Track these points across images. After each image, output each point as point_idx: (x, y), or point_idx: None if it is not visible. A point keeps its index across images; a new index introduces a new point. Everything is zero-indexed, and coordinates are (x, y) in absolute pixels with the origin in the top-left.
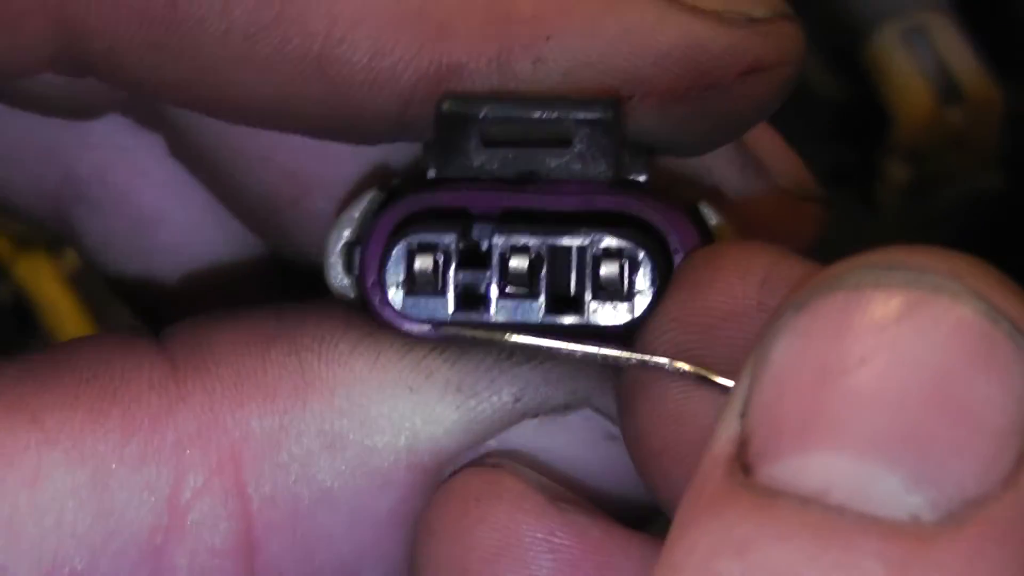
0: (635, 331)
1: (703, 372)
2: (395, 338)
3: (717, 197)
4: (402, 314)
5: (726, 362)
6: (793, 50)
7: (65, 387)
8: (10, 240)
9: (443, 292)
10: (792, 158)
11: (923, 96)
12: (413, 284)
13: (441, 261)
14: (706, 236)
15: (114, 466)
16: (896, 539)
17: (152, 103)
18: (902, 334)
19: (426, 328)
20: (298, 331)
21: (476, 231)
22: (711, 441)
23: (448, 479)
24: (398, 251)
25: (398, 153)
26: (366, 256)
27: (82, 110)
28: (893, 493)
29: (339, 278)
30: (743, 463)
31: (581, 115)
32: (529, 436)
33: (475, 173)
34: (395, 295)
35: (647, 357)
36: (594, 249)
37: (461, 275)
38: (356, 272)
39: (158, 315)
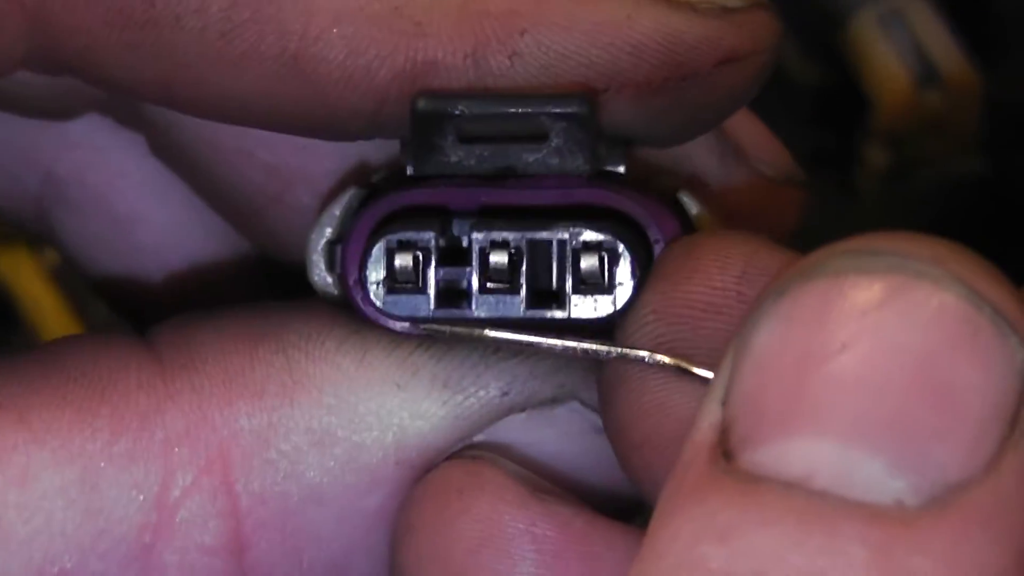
0: (617, 323)
1: (683, 364)
2: (381, 335)
3: (697, 186)
4: (384, 312)
5: (706, 353)
6: (768, 39)
7: (52, 387)
8: None
9: (424, 289)
10: (773, 144)
11: (901, 80)
12: (394, 282)
13: (421, 258)
14: (687, 226)
15: (103, 465)
16: (879, 523)
17: (131, 102)
18: (884, 319)
19: (408, 325)
20: (284, 329)
21: (455, 227)
22: (692, 429)
23: (427, 474)
24: (378, 250)
25: (379, 148)
26: (347, 255)
27: (61, 110)
28: (876, 478)
29: (322, 276)
30: (725, 450)
31: (556, 110)
32: (516, 430)
33: (452, 170)
34: (376, 293)
35: (627, 350)
36: (573, 243)
37: (441, 272)
38: (339, 270)
39: (141, 315)
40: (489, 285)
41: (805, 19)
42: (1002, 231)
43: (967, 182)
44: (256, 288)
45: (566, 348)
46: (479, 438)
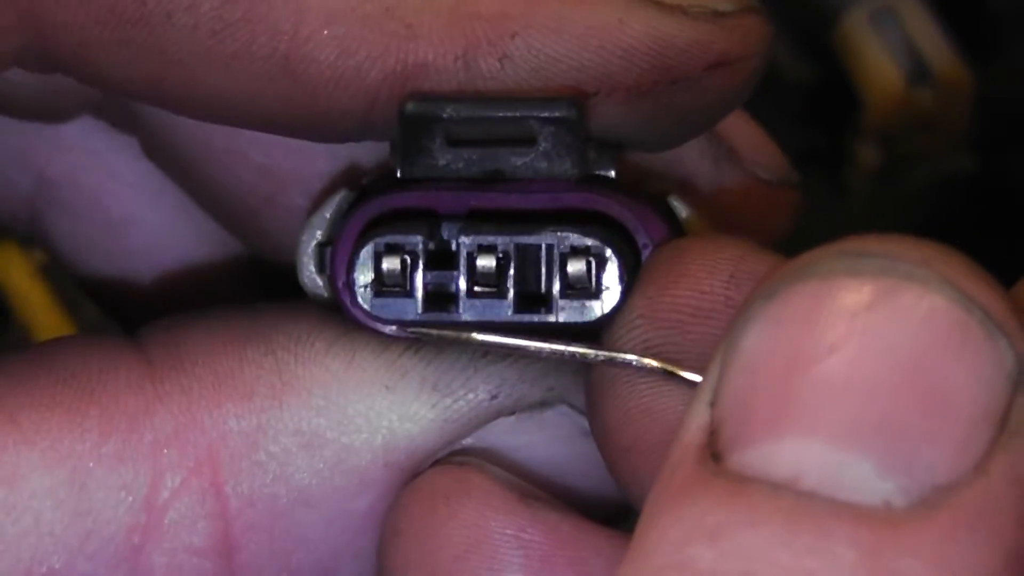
0: (604, 327)
1: (670, 368)
2: (370, 337)
3: (688, 190)
4: (372, 315)
5: (694, 358)
6: (759, 43)
7: (42, 388)
8: None
9: (411, 293)
10: (767, 145)
11: (892, 78)
12: (381, 285)
13: (409, 262)
14: (676, 230)
15: (92, 466)
16: (868, 524)
17: (124, 105)
18: (874, 321)
19: (396, 328)
20: (274, 331)
21: (443, 231)
22: (681, 430)
23: (415, 478)
24: (365, 253)
25: (370, 150)
26: (336, 258)
27: (53, 112)
28: (865, 479)
29: (312, 278)
30: (713, 451)
31: (545, 114)
32: (505, 433)
33: (441, 173)
34: (364, 296)
35: (615, 354)
36: (561, 247)
37: (429, 275)
38: (328, 272)
39: (134, 317)
40: (476, 289)
41: (796, 16)
42: (994, 229)
43: (959, 180)
44: (249, 290)
45: (554, 351)
46: (468, 441)
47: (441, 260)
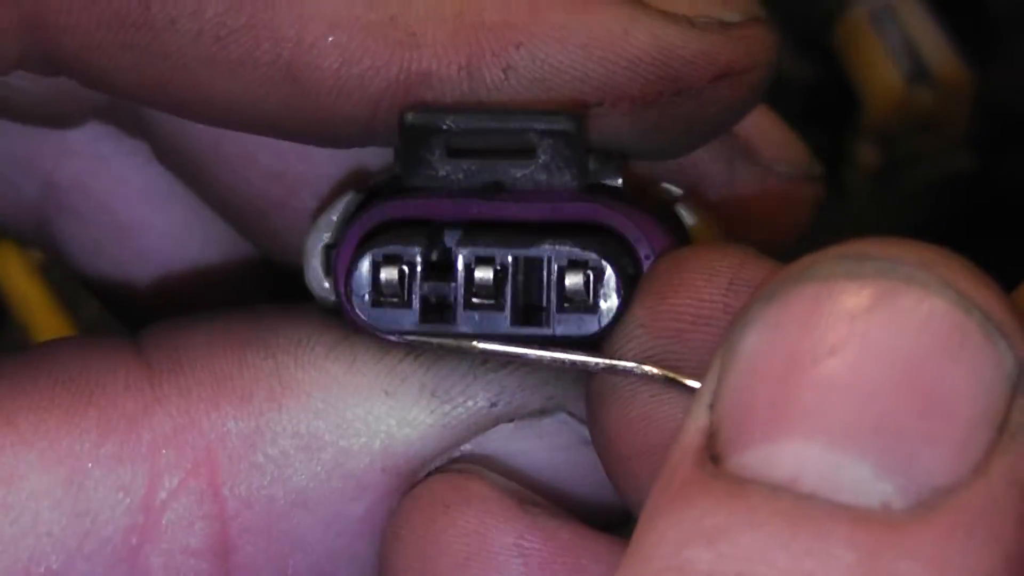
0: (602, 340)
1: (670, 375)
2: (371, 342)
3: (701, 192)
4: (370, 324)
5: (694, 365)
6: (765, 54)
7: (40, 389)
8: None
9: (409, 303)
10: (786, 137)
11: (892, 77)
12: (379, 295)
13: (407, 272)
14: (682, 238)
15: (90, 466)
16: (866, 526)
17: (133, 110)
18: (873, 323)
19: (394, 336)
20: (274, 334)
21: (441, 242)
22: (680, 433)
23: (415, 486)
24: (364, 263)
25: (380, 153)
26: (337, 264)
27: (61, 118)
28: (863, 481)
29: (319, 281)
30: (713, 454)
31: (543, 126)
32: (504, 440)
33: (441, 184)
34: (361, 305)
35: (615, 362)
36: (559, 260)
37: (426, 286)
38: (333, 276)
39: (142, 321)
40: (474, 301)
41: (796, 16)
42: (993, 229)
43: (958, 180)
44: (258, 293)
45: (554, 360)
46: (467, 447)
47: (439, 271)
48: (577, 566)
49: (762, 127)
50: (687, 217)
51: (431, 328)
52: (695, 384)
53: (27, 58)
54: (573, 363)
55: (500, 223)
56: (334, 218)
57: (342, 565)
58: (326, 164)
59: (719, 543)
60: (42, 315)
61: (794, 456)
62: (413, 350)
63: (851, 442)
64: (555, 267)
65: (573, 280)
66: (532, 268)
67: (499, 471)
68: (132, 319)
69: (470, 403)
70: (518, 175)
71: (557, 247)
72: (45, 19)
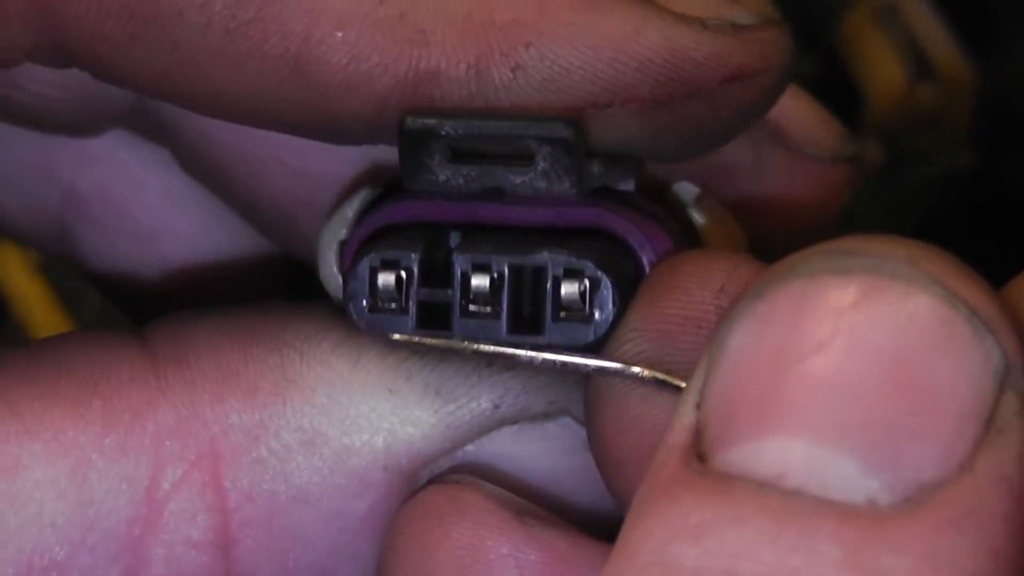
0: (597, 349)
1: (659, 376)
2: (377, 339)
3: (712, 196)
4: (368, 328)
5: (686, 368)
6: (778, 57)
7: (45, 380)
8: None
9: (406, 309)
10: (819, 119)
11: (895, 74)
12: (377, 300)
13: (404, 278)
14: (694, 240)
15: (94, 457)
16: (852, 522)
17: (155, 117)
18: (859, 319)
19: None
20: (281, 329)
21: (439, 248)
22: (667, 432)
23: (410, 499)
24: (361, 268)
25: (395, 150)
26: (344, 264)
27: (81, 127)
28: (850, 477)
29: (334, 276)
30: (699, 451)
31: (540, 133)
32: (507, 443)
33: (440, 189)
34: (361, 309)
35: (604, 363)
36: (555, 269)
37: (423, 292)
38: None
39: None
40: (471, 308)
41: (799, 12)
42: (995, 226)
43: (961, 177)
44: (277, 293)
45: (544, 361)
46: (470, 448)
47: (436, 278)
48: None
49: (791, 108)
50: (697, 218)
51: (428, 334)
52: (682, 384)
53: (38, 49)
54: (564, 364)
55: (503, 228)
56: (349, 214)
57: (343, 562)
58: (352, 163)
59: (705, 539)
60: (41, 313)
61: (780, 453)
62: (419, 349)
63: (837, 438)
64: (551, 276)
65: (569, 289)
66: (529, 276)
67: (501, 475)
68: (150, 321)
69: (474, 404)
70: (517, 181)
71: (554, 255)
72: (54, 9)
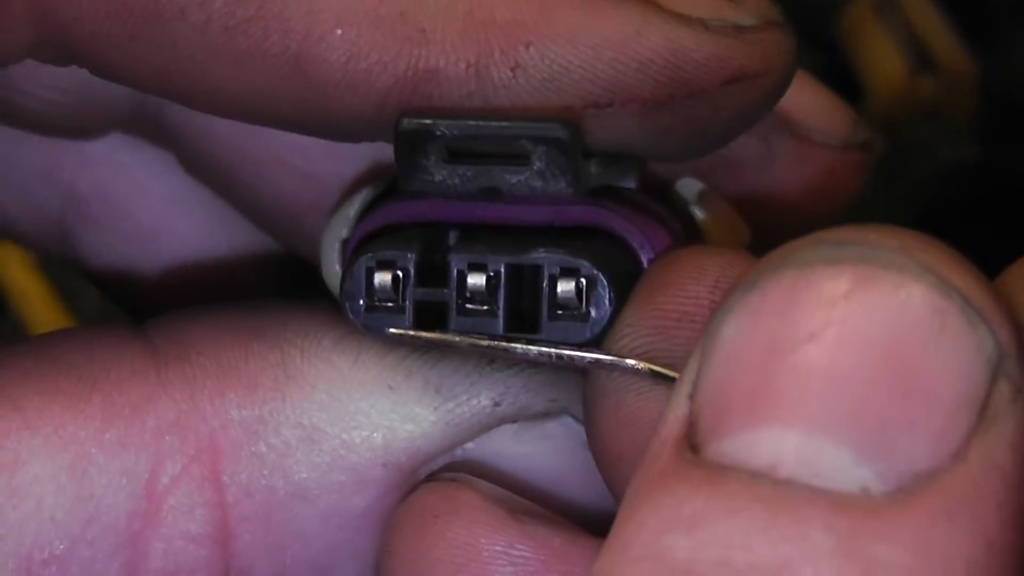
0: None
1: (654, 368)
2: (377, 337)
3: (714, 193)
4: (365, 328)
5: (681, 362)
6: (780, 59)
7: (45, 375)
8: None
9: (403, 308)
10: (828, 106)
11: (896, 67)
12: (374, 300)
13: (401, 277)
14: (696, 239)
15: (94, 452)
16: (846, 511)
17: (157, 120)
18: (852, 309)
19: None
20: (283, 325)
21: (436, 248)
22: (660, 424)
23: (405, 498)
24: (358, 268)
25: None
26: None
27: (83, 130)
28: (842, 467)
29: (335, 275)
30: (692, 442)
31: (536, 134)
32: (507, 441)
33: (436, 189)
34: (358, 309)
35: (599, 356)
36: (551, 268)
37: (420, 292)
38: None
39: None
40: (468, 307)
41: (800, 6)
42: (996, 218)
43: (962, 169)
44: (284, 294)
45: (541, 354)
46: (470, 446)
47: (432, 277)
48: (570, 573)
49: (799, 95)
50: (699, 214)
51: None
52: (676, 375)
53: (38, 47)
54: (560, 357)
55: (502, 228)
56: (351, 213)
57: (341, 559)
58: (357, 163)
59: (698, 530)
60: (40, 309)
61: (773, 443)
62: (419, 346)
63: (830, 428)
64: (547, 275)
65: (565, 288)
66: (525, 275)
67: (501, 473)
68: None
69: (474, 401)
70: (513, 181)
71: (550, 254)
72: (54, 8)
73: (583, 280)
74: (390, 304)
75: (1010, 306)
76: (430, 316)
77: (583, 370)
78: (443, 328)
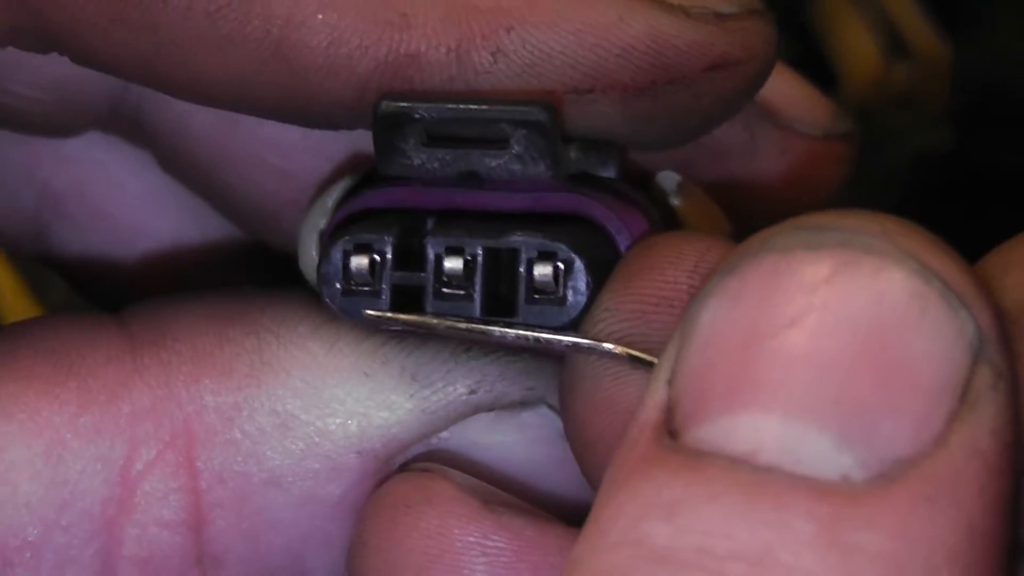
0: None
1: (632, 352)
2: (355, 325)
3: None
4: (342, 312)
5: (659, 347)
6: (760, 47)
7: (20, 361)
8: None
9: (379, 292)
10: (810, 98)
11: (870, 53)
12: (350, 283)
13: (378, 261)
14: (672, 225)
15: (68, 437)
16: (826, 498)
17: (134, 119)
18: (832, 294)
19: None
20: (259, 312)
21: (414, 233)
22: (638, 410)
23: (378, 488)
24: (335, 251)
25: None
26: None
27: (61, 128)
28: (823, 453)
29: (312, 265)
30: (671, 428)
31: (516, 117)
32: (483, 431)
33: (415, 173)
34: (335, 293)
35: (576, 339)
36: (528, 252)
37: (397, 275)
38: None
39: None
40: (445, 291)
41: None
42: (969, 204)
43: (936, 156)
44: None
45: (518, 337)
46: (445, 435)
47: (409, 261)
48: (543, 563)
49: (780, 85)
50: (677, 204)
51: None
52: (654, 359)
53: (18, 33)
54: (537, 340)
55: (481, 214)
56: (329, 204)
57: (315, 547)
58: (335, 160)
59: (677, 516)
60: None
61: (753, 429)
62: (396, 334)
63: (811, 414)
64: (524, 258)
65: (542, 271)
66: (502, 259)
67: (476, 463)
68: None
69: (450, 389)
70: (492, 164)
71: (527, 238)
72: None
73: (560, 264)
74: (367, 288)
75: (991, 291)
76: (407, 300)
77: (560, 355)
78: (420, 312)
